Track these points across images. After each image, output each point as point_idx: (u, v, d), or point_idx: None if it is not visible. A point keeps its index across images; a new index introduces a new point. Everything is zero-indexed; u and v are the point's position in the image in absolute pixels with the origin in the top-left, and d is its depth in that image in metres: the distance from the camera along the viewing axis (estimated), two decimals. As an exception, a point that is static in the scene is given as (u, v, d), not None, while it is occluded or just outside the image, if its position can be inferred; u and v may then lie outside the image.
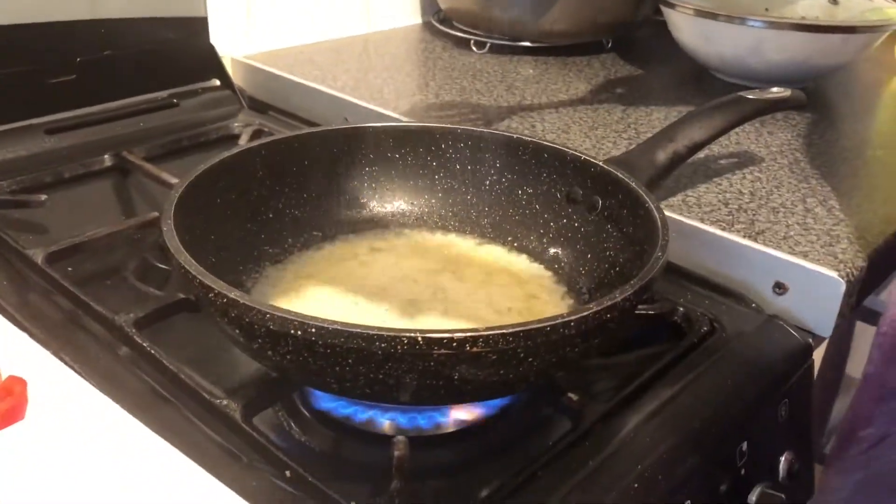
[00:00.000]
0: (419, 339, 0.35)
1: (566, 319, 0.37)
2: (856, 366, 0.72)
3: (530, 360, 0.37)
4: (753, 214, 0.59)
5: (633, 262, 0.50)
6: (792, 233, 0.57)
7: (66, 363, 0.45)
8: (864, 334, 0.72)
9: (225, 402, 0.43)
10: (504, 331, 0.35)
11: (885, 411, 0.59)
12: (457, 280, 0.54)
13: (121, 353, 0.49)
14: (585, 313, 0.37)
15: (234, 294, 0.37)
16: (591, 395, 0.45)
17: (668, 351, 0.50)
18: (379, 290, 0.52)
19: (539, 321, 0.36)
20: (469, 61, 0.92)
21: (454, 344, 0.35)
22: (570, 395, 0.45)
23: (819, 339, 0.54)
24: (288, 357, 0.38)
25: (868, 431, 0.60)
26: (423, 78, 0.87)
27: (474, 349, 0.35)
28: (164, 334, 0.51)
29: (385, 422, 0.45)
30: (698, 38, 0.86)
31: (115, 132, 0.75)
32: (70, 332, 0.51)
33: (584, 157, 0.54)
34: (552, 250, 0.55)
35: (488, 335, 0.35)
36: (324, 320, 0.35)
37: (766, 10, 0.81)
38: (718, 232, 0.57)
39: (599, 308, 0.38)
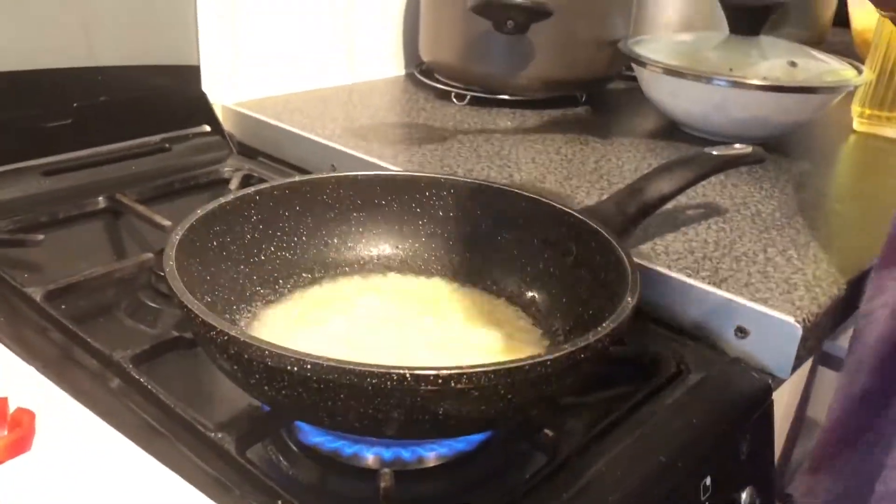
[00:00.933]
0: (407, 375, 0.38)
1: (544, 359, 0.40)
2: (816, 409, 0.76)
3: (510, 396, 0.40)
4: (717, 262, 0.63)
5: (605, 306, 0.53)
6: (753, 280, 0.61)
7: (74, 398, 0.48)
8: (823, 378, 0.76)
9: (220, 434, 0.45)
10: (486, 369, 0.38)
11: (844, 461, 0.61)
12: (439, 321, 0.57)
13: (114, 387, 0.51)
14: (561, 353, 0.40)
15: (234, 332, 0.40)
16: (566, 432, 0.48)
17: (638, 391, 0.53)
18: (366, 330, 0.55)
19: (519, 360, 0.39)
20: (450, 112, 0.96)
21: (440, 381, 0.38)
22: (546, 431, 0.47)
23: (778, 381, 0.58)
24: (283, 392, 0.40)
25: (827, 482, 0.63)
26: (406, 128, 0.91)
27: (458, 386, 0.38)
28: (158, 370, 0.53)
29: (370, 456, 0.47)
30: (667, 95, 0.91)
31: (110, 175, 0.77)
32: (66, 368, 0.53)
33: (559, 206, 0.58)
34: (529, 294, 0.58)
35: (472, 373, 0.38)
36: (318, 357, 0.38)
37: (731, 69, 0.86)
38: (684, 278, 0.60)
39: (574, 348, 0.41)
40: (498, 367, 0.38)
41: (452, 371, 0.38)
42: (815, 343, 0.60)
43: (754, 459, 0.55)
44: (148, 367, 0.52)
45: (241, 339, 0.39)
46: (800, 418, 0.73)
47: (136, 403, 0.50)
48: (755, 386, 0.56)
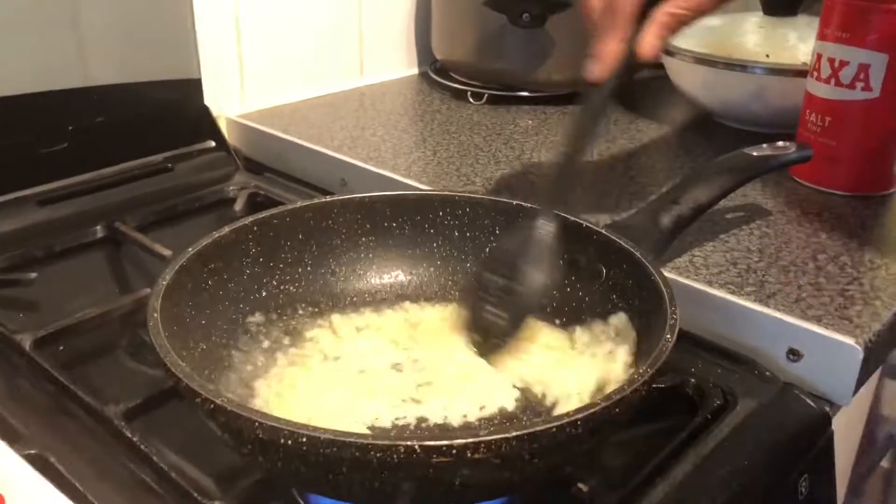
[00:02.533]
0: (416, 447, 0.33)
1: (573, 418, 0.35)
2: (887, 426, 0.70)
3: (536, 460, 0.36)
4: (763, 275, 0.57)
5: (640, 336, 0.48)
6: (804, 294, 0.55)
7: (48, 464, 0.44)
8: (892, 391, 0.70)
9: (216, 503, 0.41)
10: (507, 435, 0.34)
11: None
12: (459, 353, 0.52)
13: (108, 442, 0.47)
14: (593, 410, 0.35)
15: (219, 400, 0.35)
16: (601, 482, 0.43)
17: (680, 427, 0.48)
18: (384, 368, 0.50)
19: (544, 421, 0.34)
20: (467, 113, 0.91)
21: (454, 451, 0.33)
22: (580, 485, 0.42)
23: (836, 408, 0.52)
24: (279, 465, 0.36)
25: None
26: (420, 133, 0.86)
27: (476, 455, 0.33)
28: (157, 420, 0.49)
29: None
30: (699, 85, 0.85)
31: (109, 200, 0.74)
32: (59, 422, 0.49)
33: (584, 224, 0.53)
34: (556, 320, 0.53)
35: (490, 441, 0.33)
36: (315, 429, 0.34)
37: (767, 55, 0.80)
38: (728, 296, 0.55)
39: (608, 403, 0.36)
40: (521, 433, 0.34)
41: (468, 441, 0.33)
42: (878, 363, 0.54)
43: (815, 497, 0.49)
44: (145, 420, 0.48)
45: (229, 409, 0.35)
46: (870, 441, 0.67)
47: (131, 461, 0.46)
48: (812, 415, 0.51)
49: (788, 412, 0.51)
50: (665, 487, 0.44)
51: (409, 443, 0.33)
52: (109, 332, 0.59)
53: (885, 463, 0.80)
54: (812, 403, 0.51)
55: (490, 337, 0.50)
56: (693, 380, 0.51)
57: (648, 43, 0.51)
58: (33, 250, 0.66)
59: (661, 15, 0.51)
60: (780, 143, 0.61)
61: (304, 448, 0.34)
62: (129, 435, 0.46)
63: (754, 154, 0.59)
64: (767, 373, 0.53)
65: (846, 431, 0.62)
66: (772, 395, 0.51)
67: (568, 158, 0.52)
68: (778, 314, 0.53)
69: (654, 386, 0.49)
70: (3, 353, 0.55)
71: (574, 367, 0.49)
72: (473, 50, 0.94)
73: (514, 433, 0.34)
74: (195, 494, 0.42)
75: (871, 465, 0.70)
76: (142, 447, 0.45)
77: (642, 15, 0.51)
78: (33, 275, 0.61)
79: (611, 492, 0.43)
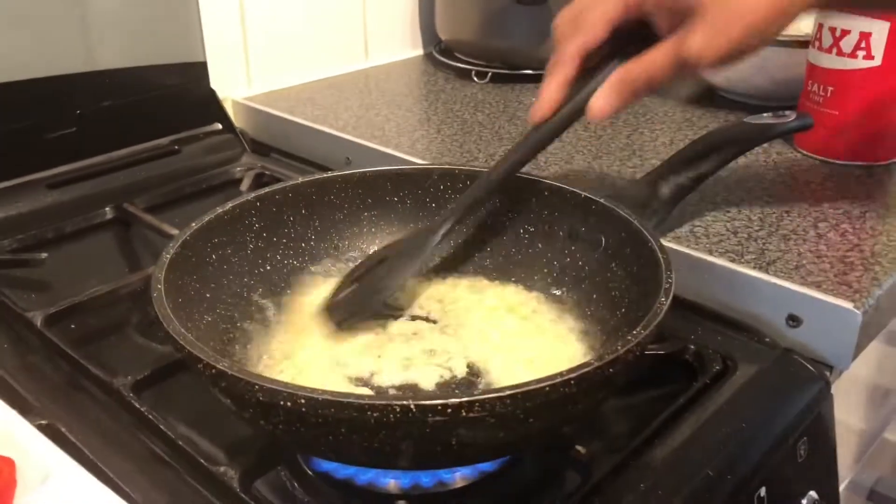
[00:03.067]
0: (412, 406, 0.34)
1: (566, 378, 0.35)
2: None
3: (531, 420, 0.36)
4: (763, 243, 0.58)
5: (638, 303, 0.48)
6: (804, 261, 0.55)
7: (60, 434, 0.45)
8: (889, 357, 0.70)
9: (222, 468, 0.42)
10: (501, 394, 0.34)
11: None
12: (460, 323, 0.53)
13: (118, 414, 0.48)
14: (586, 370, 0.36)
15: (221, 365, 0.36)
16: (600, 446, 0.44)
17: (680, 393, 0.48)
18: (387, 339, 0.51)
19: (538, 381, 0.35)
20: (471, 92, 0.92)
21: (449, 410, 0.34)
22: (578, 447, 0.43)
23: (838, 373, 0.52)
24: (280, 427, 0.37)
25: None
26: (424, 112, 0.86)
27: (470, 414, 0.34)
28: (165, 393, 0.50)
29: (388, 481, 0.43)
30: (702, 59, 0.85)
31: (117, 183, 0.75)
32: (70, 395, 0.50)
33: (584, 194, 0.53)
34: (557, 290, 0.54)
35: (484, 399, 0.34)
36: (313, 390, 0.34)
37: (770, 27, 0.80)
38: (728, 264, 0.55)
39: (600, 363, 0.36)
40: (514, 392, 0.34)
41: (462, 399, 0.34)
42: (878, 328, 0.54)
43: (814, 461, 0.50)
44: (154, 391, 0.49)
45: (230, 374, 0.36)
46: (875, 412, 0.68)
47: (140, 432, 0.47)
48: (811, 379, 0.51)
49: (788, 377, 0.51)
50: (663, 450, 0.44)
51: (404, 402, 0.34)
52: (119, 309, 0.60)
53: (890, 435, 0.80)
54: (812, 368, 0.51)
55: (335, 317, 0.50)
56: (693, 346, 0.52)
57: (597, 101, 0.48)
58: (44, 232, 0.68)
59: (614, 74, 0.47)
60: (781, 112, 0.61)
61: (303, 409, 0.34)
62: (138, 405, 0.47)
63: (754, 123, 0.59)
64: (767, 339, 0.53)
65: (849, 399, 0.62)
66: (771, 360, 0.52)
67: (479, 189, 0.51)
68: (777, 280, 0.53)
69: (655, 353, 0.51)
70: (15, 329, 0.56)
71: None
72: (477, 29, 0.94)
73: (508, 392, 0.34)
74: (202, 461, 0.43)
75: (875, 436, 0.70)
76: (150, 417, 0.46)
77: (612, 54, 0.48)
78: (44, 255, 0.62)
79: (609, 454, 0.43)
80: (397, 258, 0.52)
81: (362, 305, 0.51)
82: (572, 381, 0.35)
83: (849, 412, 0.66)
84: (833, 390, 0.52)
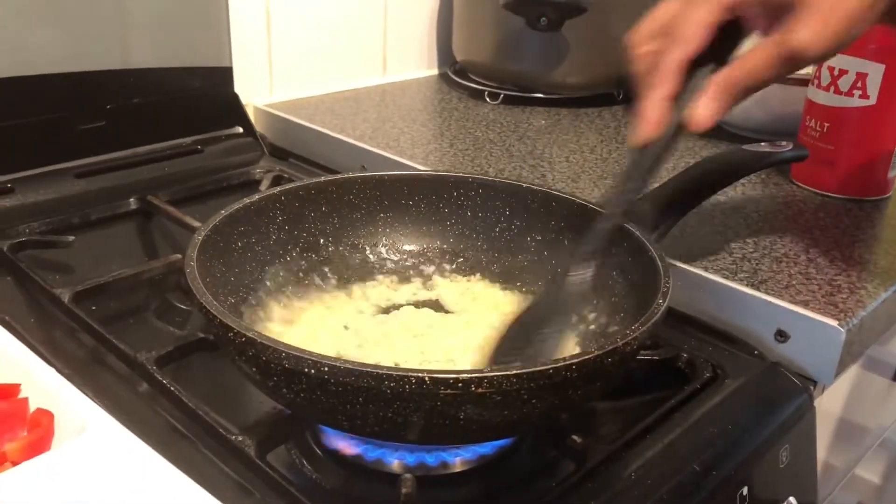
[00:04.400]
0: (426, 378, 0.36)
1: (568, 362, 0.38)
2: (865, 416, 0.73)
3: (534, 401, 0.39)
4: (757, 264, 0.61)
5: (637, 309, 0.51)
6: (794, 282, 0.58)
7: (92, 399, 0.47)
8: (871, 383, 0.73)
9: (240, 438, 0.45)
10: (508, 372, 0.37)
11: None
12: (466, 324, 0.55)
13: (141, 390, 0.51)
14: (587, 357, 0.39)
15: (251, 333, 0.39)
16: (596, 438, 0.47)
17: (672, 396, 0.51)
18: (395, 333, 0.53)
19: (542, 363, 0.38)
20: (483, 112, 0.95)
21: (460, 384, 0.37)
22: (574, 437, 0.46)
23: (821, 387, 0.55)
24: (301, 395, 0.39)
25: None
26: (438, 128, 0.90)
27: (479, 390, 0.37)
28: (183, 372, 0.53)
29: (394, 461, 0.46)
30: (706, 92, 0.89)
31: (142, 176, 0.78)
32: (93, 369, 0.53)
33: (590, 206, 0.56)
34: (559, 295, 0.57)
35: (493, 376, 0.37)
36: (336, 359, 0.37)
37: (772, 65, 0.84)
38: (722, 280, 0.58)
39: (601, 352, 0.39)
40: (521, 371, 0.37)
41: (473, 375, 0.37)
42: (861, 347, 0.58)
43: (796, 468, 0.52)
44: (174, 369, 0.52)
45: (259, 341, 0.39)
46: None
47: (160, 404, 0.50)
48: (796, 392, 0.54)
49: (774, 388, 0.54)
50: (654, 444, 0.47)
51: (419, 374, 0.36)
52: (139, 294, 0.63)
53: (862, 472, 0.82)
54: (797, 381, 0.54)
55: None
56: (685, 355, 0.55)
57: (702, 108, 0.45)
58: (71, 217, 0.71)
59: (714, 81, 0.45)
60: (777, 143, 0.65)
61: (326, 377, 0.37)
62: (161, 378, 0.50)
63: (751, 150, 0.63)
64: (756, 352, 0.56)
65: (827, 431, 0.65)
66: (759, 371, 0.55)
67: (609, 221, 0.49)
68: (768, 297, 0.56)
69: (650, 358, 0.54)
70: (42, 305, 0.59)
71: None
72: (492, 51, 0.98)
73: (515, 371, 0.37)
74: (221, 431, 0.46)
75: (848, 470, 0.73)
76: (172, 389, 0.49)
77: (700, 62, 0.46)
78: (71, 238, 0.65)
79: (603, 445, 0.46)
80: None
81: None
82: (574, 367, 0.38)
83: (824, 442, 0.68)
84: (816, 403, 0.55)
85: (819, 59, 0.45)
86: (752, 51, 0.45)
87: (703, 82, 0.46)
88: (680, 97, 0.47)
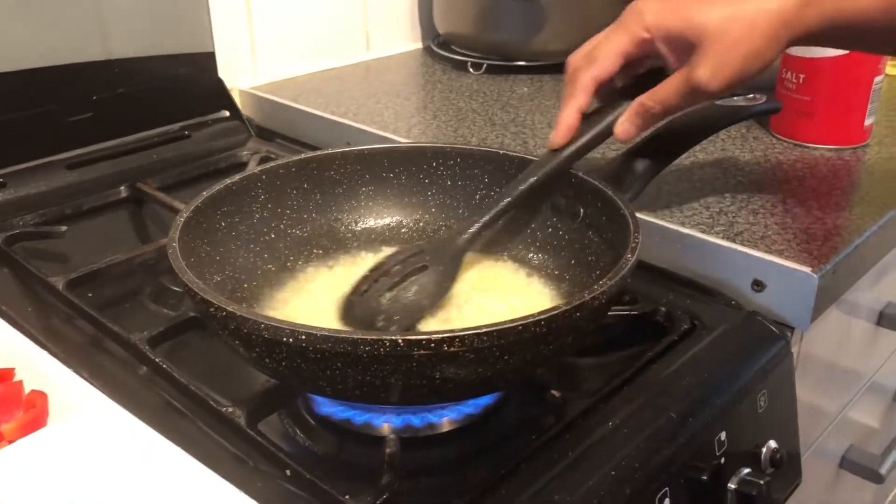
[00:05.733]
0: (400, 341, 0.38)
1: (537, 318, 0.39)
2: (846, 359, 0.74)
3: (506, 357, 0.40)
4: (733, 217, 0.62)
5: (611, 266, 0.52)
6: (770, 232, 0.60)
7: (85, 379, 0.49)
8: (855, 328, 0.74)
9: (231, 409, 0.46)
10: (478, 331, 0.38)
11: None
12: (457, 290, 0.57)
13: (140, 372, 0.53)
14: (555, 312, 0.40)
15: (231, 307, 0.40)
16: (575, 392, 0.48)
17: (650, 348, 0.53)
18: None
19: (511, 321, 0.39)
20: (467, 82, 0.96)
21: (432, 345, 0.38)
22: (553, 392, 0.47)
23: (799, 334, 0.57)
24: (283, 364, 0.41)
25: None
26: (421, 101, 0.90)
27: (451, 349, 0.38)
28: (176, 351, 0.54)
29: (382, 424, 0.48)
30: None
31: (131, 164, 0.79)
32: (90, 353, 0.55)
33: (570, 170, 0.57)
34: (538, 258, 0.58)
35: (464, 335, 0.38)
36: (312, 327, 0.39)
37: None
38: (698, 234, 0.60)
39: (568, 307, 0.41)
40: (490, 329, 0.39)
41: (444, 335, 0.38)
42: (837, 293, 0.59)
43: (774, 413, 0.54)
44: (168, 348, 0.54)
45: (238, 314, 0.40)
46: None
47: (156, 384, 0.51)
48: (773, 338, 0.55)
49: (751, 336, 0.55)
50: (632, 396, 0.49)
51: (393, 337, 0.38)
52: (133, 279, 0.64)
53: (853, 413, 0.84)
54: (774, 328, 0.56)
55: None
56: (663, 308, 0.56)
57: (621, 125, 0.53)
58: (63, 208, 0.72)
59: (635, 102, 0.53)
60: (751, 95, 0.65)
61: (304, 345, 0.39)
62: (153, 357, 0.51)
63: (725, 105, 0.63)
64: (733, 302, 0.58)
65: (810, 376, 0.66)
66: (736, 321, 0.56)
67: (502, 205, 0.55)
68: (743, 248, 0.57)
69: (628, 313, 0.55)
70: (38, 294, 0.60)
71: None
72: (473, 22, 0.99)
73: (485, 329, 0.38)
74: (212, 403, 0.47)
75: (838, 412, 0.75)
76: (165, 367, 0.50)
77: (630, 94, 0.53)
78: (64, 228, 0.67)
79: (581, 399, 0.48)
80: (432, 273, 0.53)
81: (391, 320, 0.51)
82: (542, 322, 0.40)
83: (810, 388, 0.70)
84: (793, 348, 0.56)
85: (721, 93, 0.50)
86: (664, 82, 0.52)
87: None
88: (607, 112, 0.55)
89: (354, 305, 0.52)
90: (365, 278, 0.53)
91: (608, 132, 0.55)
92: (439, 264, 0.54)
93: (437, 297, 0.53)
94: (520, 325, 0.39)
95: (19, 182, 0.73)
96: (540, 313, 0.40)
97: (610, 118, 0.55)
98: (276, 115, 0.90)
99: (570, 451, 0.44)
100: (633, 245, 0.47)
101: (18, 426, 0.39)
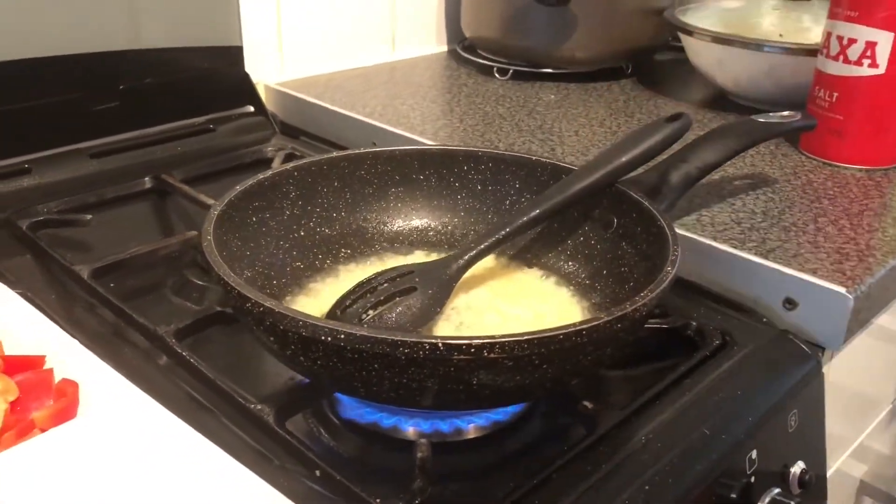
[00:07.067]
0: (440, 345, 0.37)
1: (578, 328, 0.39)
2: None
3: (545, 366, 0.40)
4: (765, 233, 0.61)
5: (646, 278, 0.52)
6: (802, 251, 0.59)
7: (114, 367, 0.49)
8: (880, 353, 0.73)
9: (259, 406, 0.46)
10: (519, 338, 0.38)
11: None
12: (478, 296, 0.56)
13: (159, 361, 0.52)
14: (597, 322, 0.40)
15: (269, 303, 0.40)
16: (607, 404, 0.48)
17: (682, 363, 0.52)
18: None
19: (553, 329, 0.39)
20: (492, 87, 0.96)
21: (472, 350, 0.38)
22: (586, 403, 0.47)
23: (830, 355, 0.56)
24: (318, 362, 0.41)
25: None
26: (447, 104, 0.90)
27: (491, 355, 0.38)
28: (201, 345, 0.54)
29: (409, 428, 0.47)
30: (715, 63, 0.89)
31: (155, 156, 0.79)
32: (113, 343, 0.54)
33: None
34: (570, 267, 0.57)
35: (504, 342, 0.38)
36: (351, 327, 0.38)
37: (781, 35, 0.84)
38: (730, 249, 0.59)
39: (610, 318, 0.40)
40: (532, 337, 0.38)
41: (485, 340, 0.37)
42: (869, 315, 0.58)
43: (804, 434, 0.53)
44: (192, 342, 0.53)
45: (276, 311, 0.40)
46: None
47: (180, 377, 0.51)
48: (804, 358, 0.55)
49: (782, 354, 0.55)
50: (664, 409, 0.48)
51: (433, 340, 0.37)
52: (156, 271, 0.64)
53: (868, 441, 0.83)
54: (805, 348, 0.55)
55: None
56: (694, 323, 0.55)
57: None
58: (87, 197, 0.72)
59: None
60: (787, 112, 0.65)
61: (342, 344, 0.38)
62: (180, 350, 0.51)
63: (761, 120, 0.63)
64: (765, 319, 0.57)
65: (842, 387, 0.66)
66: (768, 339, 0.55)
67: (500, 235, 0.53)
68: (776, 266, 0.57)
69: (659, 326, 0.54)
70: (62, 283, 0.60)
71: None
72: (500, 27, 0.98)
73: (526, 337, 0.38)
74: (240, 400, 0.47)
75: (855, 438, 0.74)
76: (192, 361, 0.50)
77: None
78: (88, 216, 0.66)
79: (614, 411, 0.47)
80: (420, 296, 0.50)
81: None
82: (584, 332, 0.39)
83: (834, 412, 0.69)
84: (824, 370, 0.56)
85: None
86: None
87: None
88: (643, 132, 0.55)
89: (336, 319, 0.49)
90: (350, 293, 0.51)
91: (649, 154, 0.54)
92: (429, 287, 0.51)
93: (422, 322, 0.50)
94: (561, 333, 0.38)
95: (44, 169, 0.73)
96: (581, 323, 0.39)
97: (651, 141, 0.54)
98: (301, 113, 0.89)
99: (603, 463, 0.43)
100: (673, 258, 0.46)
101: (50, 414, 0.39)
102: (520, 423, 0.48)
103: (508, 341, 0.38)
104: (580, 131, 0.82)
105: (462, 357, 0.38)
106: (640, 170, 0.57)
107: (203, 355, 0.51)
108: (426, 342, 0.37)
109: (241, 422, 0.47)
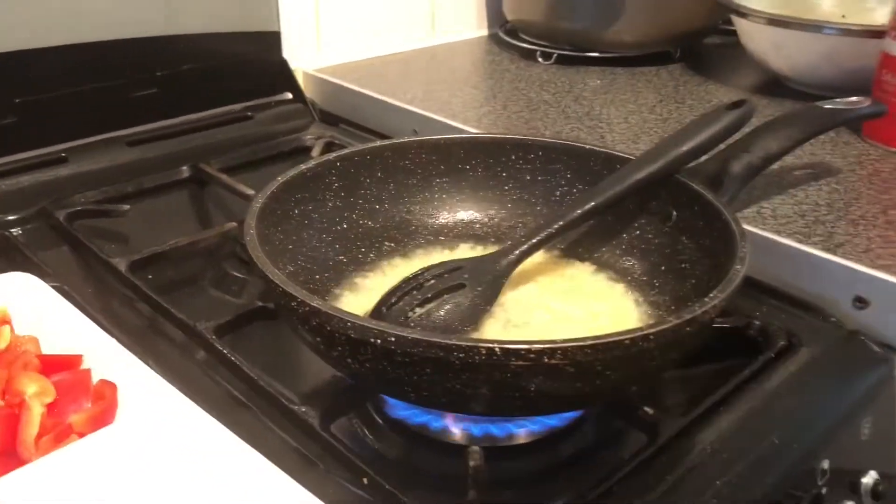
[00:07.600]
0: (497, 349, 0.35)
1: (646, 332, 0.36)
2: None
3: (608, 373, 0.37)
4: (832, 227, 0.58)
5: (708, 275, 0.49)
6: (873, 245, 0.55)
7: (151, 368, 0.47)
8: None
9: (304, 408, 0.44)
10: (582, 343, 0.35)
11: None
12: (526, 292, 0.54)
13: (198, 357, 0.51)
14: (665, 326, 0.37)
15: (316, 302, 0.38)
16: (666, 409, 0.45)
17: (745, 365, 0.49)
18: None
19: (618, 334, 0.36)
20: (536, 72, 0.92)
21: (532, 355, 0.35)
22: (646, 408, 0.44)
23: (901, 356, 0.53)
24: (367, 365, 0.38)
25: None
26: (490, 90, 0.87)
27: (552, 361, 0.35)
28: (241, 341, 0.52)
29: (458, 431, 0.45)
30: (770, 47, 0.85)
31: (193, 144, 0.77)
32: (151, 338, 0.53)
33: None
34: (626, 262, 0.55)
35: (566, 347, 0.35)
36: (403, 329, 0.36)
37: (843, 16, 0.79)
38: (795, 244, 0.56)
39: (679, 321, 0.37)
40: (596, 342, 0.35)
41: (545, 345, 0.35)
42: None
43: (877, 442, 0.50)
44: (232, 338, 0.51)
45: (324, 311, 0.37)
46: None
47: (220, 374, 0.49)
48: (877, 361, 0.51)
49: (853, 357, 0.52)
50: (729, 416, 0.45)
51: (490, 345, 0.35)
52: (194, 263, 0.62)
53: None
54: (878, 350, 0.52)
55: None
56: (758, 322, 0.52)
57: None
58: (124, 186, 0.70)
59: None
60: (854, 98, 0.61)
61: (393, 347, 0.36)
62: (220, 347, 0.49)
63: (826, 107, 0.59)
64: (833, 318, 0.54)
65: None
66: (837, 340, 0.52)
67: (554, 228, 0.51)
68: (846, 262, 0.53)
69: (720, 325, 0.51)
70: (99, 275, 0.59)
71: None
72: (544, 10, 0.95)
73: (590, 342, 0.35)
74: (284, 401, 0.45)
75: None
76: (232, 358, 0.48)
77: None
78: (127, 206, 0.65)
79: (675, 418, 0.44)
80: (469, 293, 0.48)
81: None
82: (651, 336, 0.36)
83: None
84: None
85: None
86: None
87: None
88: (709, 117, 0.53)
89: (381, 317, 0.47)
90: (396, 289, 0.48)
91: (711, 144, 0.51)
92: (477, 284, 0.49)
93: (470, 321, 0.48)
94: (627, 338, 0.36)
95: (80, 157, 0.72)
96: (648, 326, 0.37)
97: (713, 129, 0.51)
98: (340, 99, 0.87)
99: (667, 475, 0.41)
100: (742, 255, 0.43)
101: (88, 418, 0.37)
102: (574, 428, 0.46)
103: (571, 346, 0.35)
104: (630, 118, 0.79)
105: (520, 363, 0.35)
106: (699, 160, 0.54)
107: (242, 351, 0.49)
108: (482, 346, 0.35)
109: (284, 423, 0.45)
